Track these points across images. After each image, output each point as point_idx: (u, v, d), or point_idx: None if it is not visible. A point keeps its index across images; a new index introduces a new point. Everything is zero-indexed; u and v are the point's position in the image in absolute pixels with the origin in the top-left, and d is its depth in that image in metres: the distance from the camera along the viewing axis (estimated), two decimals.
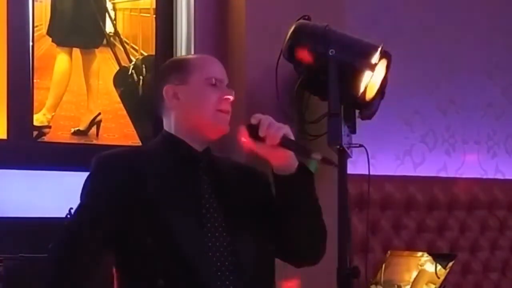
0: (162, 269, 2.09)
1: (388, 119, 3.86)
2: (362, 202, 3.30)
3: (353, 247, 2.67)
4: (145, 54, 3.26)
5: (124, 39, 3.23)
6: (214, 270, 2.12)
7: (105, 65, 3.19)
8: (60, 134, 3.09)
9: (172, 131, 2.26)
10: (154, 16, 3.26)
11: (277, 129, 2.15)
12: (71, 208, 2.55)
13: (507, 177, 4.44)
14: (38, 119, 3.04)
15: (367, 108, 2.77)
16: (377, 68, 2.68)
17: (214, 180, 2.24)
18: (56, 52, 3.09)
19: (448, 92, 4.24)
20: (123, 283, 2.17)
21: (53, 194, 2.96)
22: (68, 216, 2.56)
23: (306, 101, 2.94)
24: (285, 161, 2.18)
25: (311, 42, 2.71)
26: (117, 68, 3.21)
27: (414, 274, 3.50)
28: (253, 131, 2.16)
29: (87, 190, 2.17)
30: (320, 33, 2.70)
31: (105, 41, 3.20)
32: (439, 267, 3.45)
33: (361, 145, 2.80)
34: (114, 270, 2.20)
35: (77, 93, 3.12)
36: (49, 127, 3.06)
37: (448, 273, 3.47)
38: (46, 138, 3.05)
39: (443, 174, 4.23)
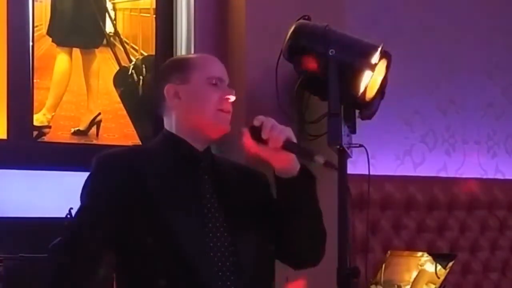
0: (163, 269, 2.09)
1: (388, 119, 3.86)
2: (362, 202, 3.29)
3: (353, 247, 2.67)
4: (145, 54, 3.26)
5: (124, 39, 3.23)
6: (215, 271, 2.12)
7: (105, 65, 3.19)
8: (60, 134, 3.09)
9: (173, 131, 2.26)
10: (154, 16, 3.26)
11: (280, 132, 2.15)
12: (71, 208, 2.56)
13: (507, 177, 4.44)
14: (38, 119, 3.04)
15: (367, 108, 2.77)
16: (377, 68, 2.67)
17: (215, 180, 2.24)
18: (56, 52, 3.09)
19: (448, 92, 4.24)
20: (123, 283, 2.17)
21: (53, 194, 2.96)
22: (68, 216, 2.56)
23: (306, 101, 2.94)
24: (287, 163, 2.19)
25: (311, 42, 2.71)
26: (117, 68, 3.21)
27: (414, 274, 3.50)
28: (256, 133, 2.16)
29: (87, 190, 2.17)
30: (320, 33, 2.70)
31: (105, 41, 3.20)
32: (439, 267, 3.45)
33: (361, 145, 2.80)
34: (114, 270, 2.19)
35: (77, 93, 3.12)
36: (49, 127, 3.06)
37: (448, 273, 3.46)
38: (46, 138, 3.05)
39: (443, 174, 4.23)
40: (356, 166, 2.96)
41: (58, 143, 3.07)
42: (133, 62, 3.23)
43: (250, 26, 2.96)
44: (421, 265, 3.49)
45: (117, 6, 3.23)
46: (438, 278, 3.44)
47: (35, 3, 3.03)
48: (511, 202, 4.31)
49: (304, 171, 2.21)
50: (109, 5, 3.21)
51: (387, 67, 2.75)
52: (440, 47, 4.17)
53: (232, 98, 2.25)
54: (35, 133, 3.03)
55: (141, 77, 3.24)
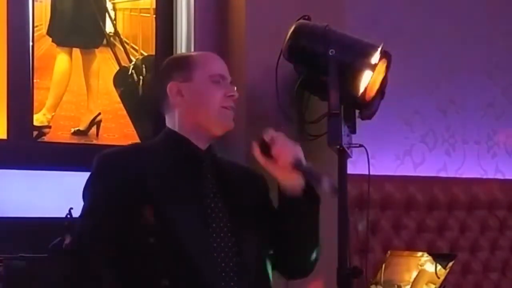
0: (165, 269, 2.08)
1: (388, 119, 3.86)
2: (362, 202, 3.30)
3: (353, 247, 2.67)
4: (145, 54, 3.25)
5: (124, 39, 3.23)
6: (218, 271, 2.12)
7: (105, 65, 3.19)
8: (60, 134, 3.09)
9: (176, 129, 2.25)
10: (154, 16, 3.26)
11: (289, 151, 2.16)
12: (71, 208, 2.56)
13: (507, 177, 4.44)
14: (38, 119, 3.03)
15: (367, 108, 2.77)
16: (377, 68, 2.67)
17: (218, 180, 2.24)
18: (56, 52, 3.08)
19: (448, 92, 4.24)
20: (126, 283, 2.16)
21: (53, 194, 2.95)
22: (68, 216, 2.56)
23: (306, 101, 2.94)
24: (292, 182, 2.19)
25: (311, 42, 2.71)
26: (117, 68, 3.21)
27: (414, 274, 3.50)
28: (265, 148, 2.17)
29: (89, 190, 2.17)
30: (320, 33, 2.70)
31: (105, 41, 3.19)
32: (439, 267, 3.45)
33: (361, 145, 2.80)
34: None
35: (77, 93, 3.12)
36: (49, 127, 3.06)
37: (448, 273, 3.47)
38: (46, 138, 3.05)
39: (443, 174, 4.23)
40: (356, 166, 2.96)
41: (58, 143, 3.07)
42: (133, 62, 3.23)
43: (250, 26, 2.96)
44: (421, 265, 3.50)
45: (117, 6, 3.23)
46: (438, 278, 3.44)
47: (35, 3, 3.03)
48: (511, 202, 4.31)
49: (309, 192, 2.21)
50: (109, 5, 3.21)
51: (387, 67, 2.75)
52: (440, 47, 4.17)
53: (236, 95, 2.26)
54: (35, 133, 3.02)
55: (141, 77, 3.24)
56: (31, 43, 3.01)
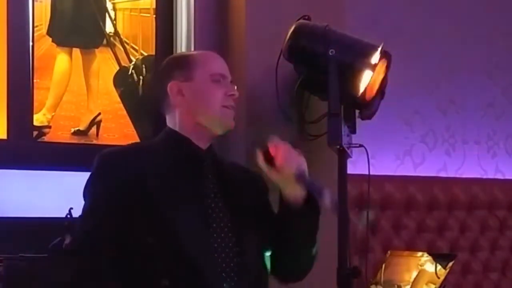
0: (165, 269, 2.08)
1: (388, 119, 3.86)
2: (362, 202, 3.29)
3: (353, 247, 2.67)
4: (145, 54, 3.25)
5: (124, 39, 3.23)
6: (219, 271, 2.12)
7: (105, 65, 3.19)
8: (60, 134, 3.09)
9: (177, 128, 2.25)
10: (154, 16, 3.26)
11: (294, 162, 2.16)
12: (71, 208, 2.56)
13: (507, 177, 4.45)
14: (38, 119, 3.03)
15: (367, 108, 2.77)
16: (377, 68, 2.67)
17: (219, 180, 2.24)
18: (56, 52, 3.08)
19: (448, 92, 4.24)
20: (126, 283, 2.16)
21: (53, 194, 2.95)
22: (68, 216, 2.56)
23: (306, 101, 2.94)
24: (295, 193, 2.19)
25: (311, 42, 2.71)
26: (117, 68, 3.21)
27: (414, 274, 3.50)
28: (268, 156, 2.18)
29: (90, 190, 2.17)
30: (320, 33, 2.70)
31: (105, 41, 3.19)
32: (439, 267, 3.45)
33: (361, 145, 2.80)
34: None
35: (77, 93, 3.12)
36: (49, 127, 3.06)
37: (448, 273, 3.47)
38: (46, 138, 3.05)
39: (443, 174, 4.23)
40: (356, 166, 2.96)
41: (58, 143, 3.06)
42: (133, 62, 3.23)
43: (250, 26, 2.96)
44: (421, 265, 3.50)
45: (117, 6, 3.23)
46: (438, 278, 3.44)
47: (35, 3, 3.03)
48: (511, 202, 4.31)
49: (309, 203, 2.21)
50: (109, 5, 3.21)
51: (387, 67, 2.75)
52: (440, 47, 4.17)
53: (236, 94, 2.26)
54: (35, 133, 3.02)
55: (141, 77, 3.24)
56: (31, 43, 3.01)
